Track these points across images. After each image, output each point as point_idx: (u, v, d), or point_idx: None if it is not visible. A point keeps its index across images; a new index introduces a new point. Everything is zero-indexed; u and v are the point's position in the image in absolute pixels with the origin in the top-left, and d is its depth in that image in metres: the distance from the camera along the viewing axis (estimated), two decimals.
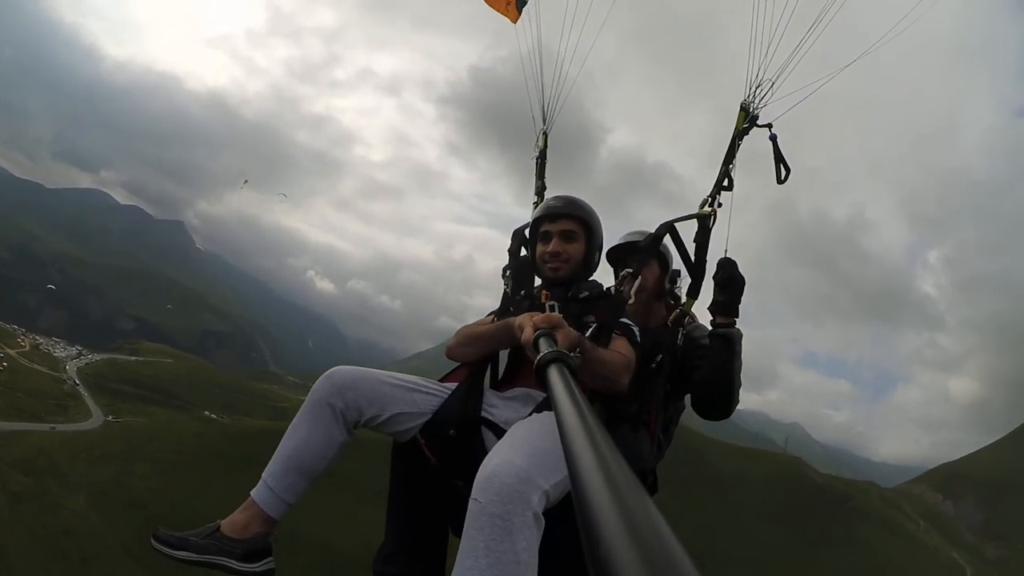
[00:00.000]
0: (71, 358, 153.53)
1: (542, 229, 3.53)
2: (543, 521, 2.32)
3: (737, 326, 3.71)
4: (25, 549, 52.23)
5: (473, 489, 2.33)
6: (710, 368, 3.66)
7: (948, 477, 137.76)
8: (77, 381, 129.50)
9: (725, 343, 3.64)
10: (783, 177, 3.86)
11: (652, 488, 3.40)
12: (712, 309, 3.70)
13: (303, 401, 3.03)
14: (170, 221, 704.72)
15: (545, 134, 4.67)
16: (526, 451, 2.41)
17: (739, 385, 3.70)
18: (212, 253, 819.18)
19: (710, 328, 3.72)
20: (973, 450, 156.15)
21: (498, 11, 5.22)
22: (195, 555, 2.80)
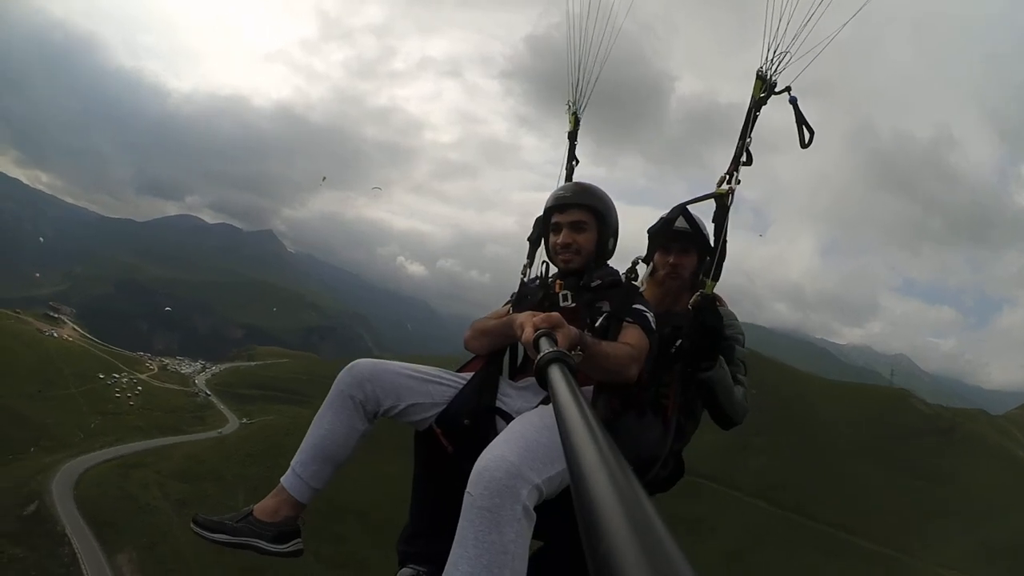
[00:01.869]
0: (197, 372, 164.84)
1: (552, 220, 3.53)
2: (534, 515, 2.41)
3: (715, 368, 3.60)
4: (196, 549, 56.91)
5: (468, 482, 2.43)
6: (706, 404, 3.73)
7: None
8: (208, 392, 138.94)
9: (704, 387, 3.62)
10: (807, 140, 3.70)
11: (676, 473, 3.48)
12: (692, 355, 3.58)
13: None
14: (259, 231, 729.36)
15: (575, 115, 4.59)
16: (519, 446, 2.49)
17: (741, 407, 3.75)
18: (304, 254, 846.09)
19: (695, 368, 3.60)
20: None
21: None
22: (230, 537, 3.04)
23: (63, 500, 65.45)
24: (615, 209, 3.57)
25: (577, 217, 3.44)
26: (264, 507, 3.13)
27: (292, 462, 3.15)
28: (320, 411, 3.18)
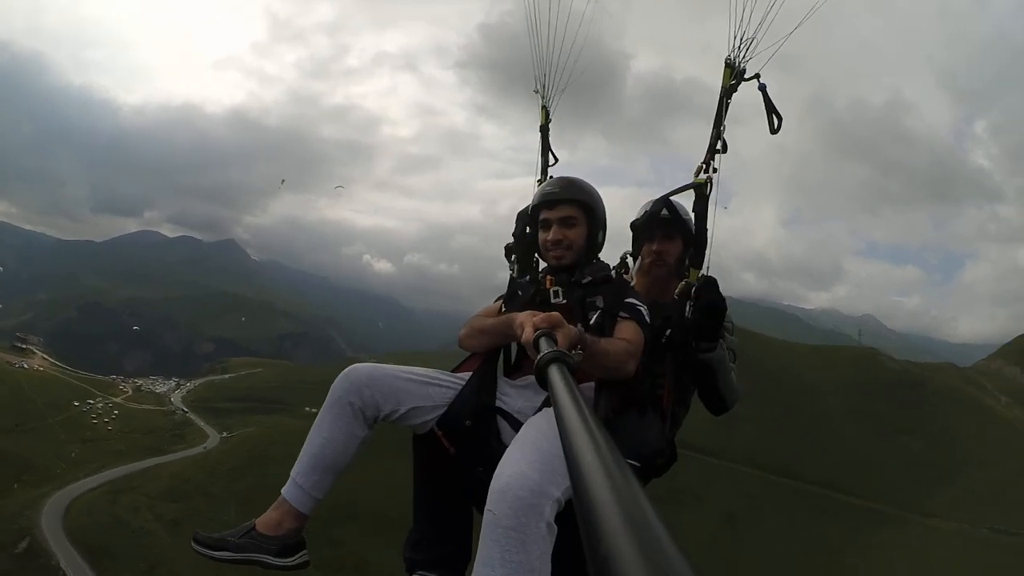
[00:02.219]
0: (172, 390, 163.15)
1: (541, 216, 3.51)
2: (555, 529, 2.42)
3: (719, 348, 3.70)
4: (194, 569, 56.72)
5: (488, 499, 2.43)
6: (700, 390, 3.80)
7: None
8: (185, 409, 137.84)
9: (708, 371, 3.69)
10: (776, 127, 3.72)
11: (670, 459, 3.43)
12: (696, 335, 3.63)
13: None
14: (221, 241, 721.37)
15: (545, 108, 4.64)
16: (537, 460, 2.48)
17: (735, 391, 3.83)
18: (269, 261, 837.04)
19: (696, 349, 3.66)
20: None
21: None
22: (234, 554, 2.99)
23: (54, 533, 64.99)
24: (603, 202, 3.58)
25: (566, 212, 3.43)
26: (266, 520, 3.09)
27: (292, 472, 3.12)
28: (318, 419, 3.13)
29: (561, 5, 4.29)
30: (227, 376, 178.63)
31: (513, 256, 4.01)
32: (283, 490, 3.09)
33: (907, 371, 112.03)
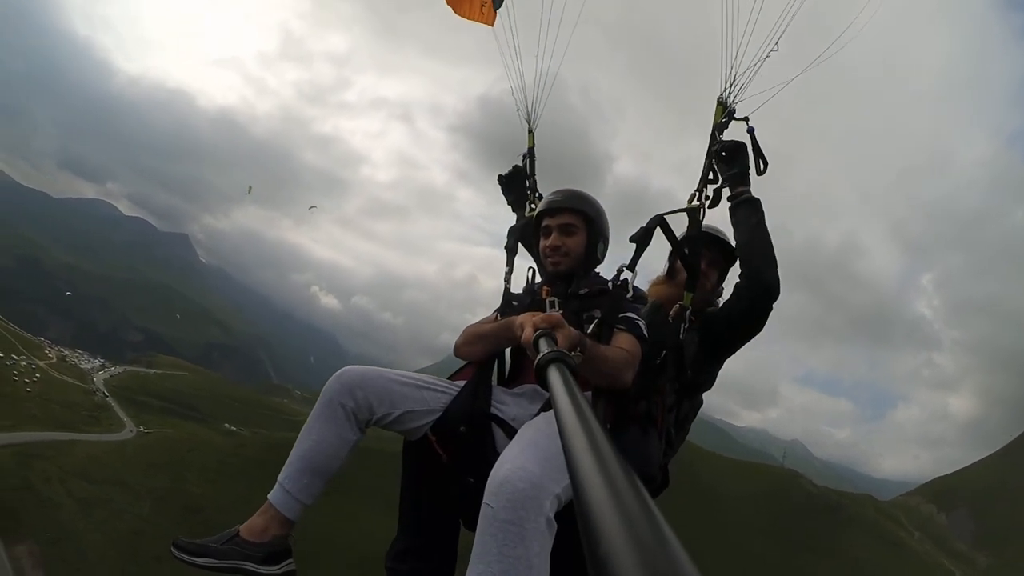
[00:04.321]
0: (96, 370, 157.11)
1: (543, 224, 3.51)
2: (555, 525, 2.35)
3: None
4: (103, 551, 57.09)
5: (485, 493, 2.36)
6: (746, 229, 3.72)
7: (942, 489, 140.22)
8: (106, 392, 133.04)
9: (751, 206, 3.71)
10: (761, 169, 3.79)
11: (663, 484, 3.42)
12: (729, 183, 3.74)
13: None
14: (175, 234, 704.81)
15: (531, 132, 4.66)
16: (538, 455, 2.42)
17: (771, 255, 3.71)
18: (215, 266, 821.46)
19: (729, 202, 3.76)
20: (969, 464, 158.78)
21: (473, 19, 5.10)
22: (216, 561, 2.85)
23: None
24: (606, 216, 3.56)
25: (567, 220, 3.43)
26: (251, 526, 2.95)
27: (279, 477, 2.99)
28: (308, 421, 3.02)
29: (543, 41, 4.44)
30: (152, 371, 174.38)
31: (507, 270, 3.94)
32: (270, 495, 2.99)
33: (824, 495, 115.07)
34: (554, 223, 3.46)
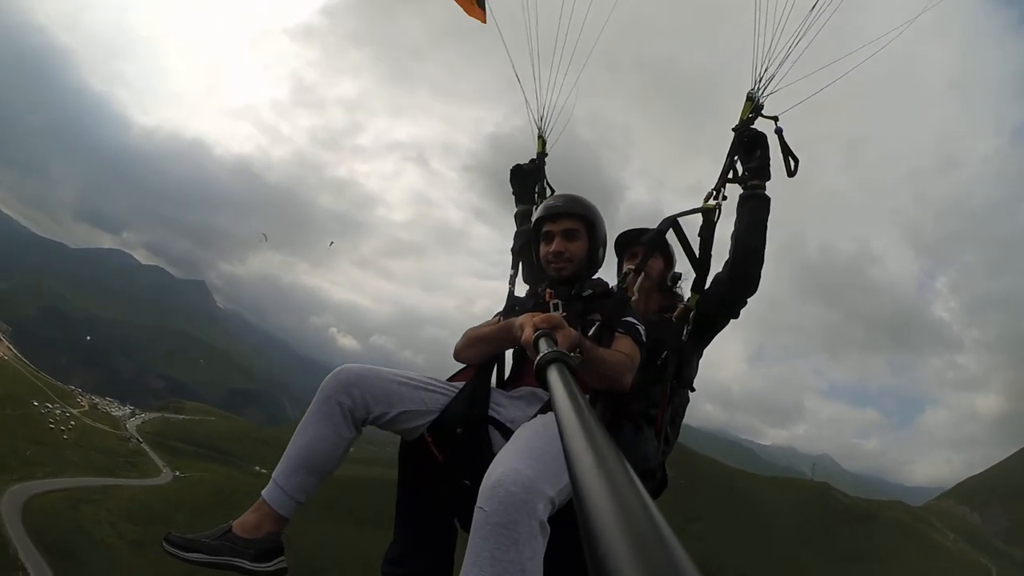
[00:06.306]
0: (127, 417, 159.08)
1: (544, 229, 3.53)
2: (548, 529, 2.32)
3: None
4: None
5: (479, 497, 2.32)
6: (750, 223, 3.71)
7: (973, 489, 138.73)
8: (139, 438, 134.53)
9: (762, 203, 3.71)
10: (792, 168, 3.77)
11: (662, 483, 3.45)
12: (749, 173, 3.72)
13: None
14: (192, 280, 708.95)
15: (542, 138, 4.71)
16: (532, 458, 2.40)
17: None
18: (233, 312, 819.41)
19: (741, 190, 3.76)
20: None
21: (471, 16, 5.10)
22: (208, 556, 2.81)
23: (13, 524, 64.60)
24: (604, 220, 3.59)
25: (569, 225, 3.45)
26: (244, 523, 2.92)
27: (273, 474, 2.98)
28: (304, 419, 3.00)
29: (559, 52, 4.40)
30: (181, 417, 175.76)
31: (512, 273, 4.02)
32: (264, 492, 2.98)
33: (856, 505, 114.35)
34: (556, 228, 3.50)
